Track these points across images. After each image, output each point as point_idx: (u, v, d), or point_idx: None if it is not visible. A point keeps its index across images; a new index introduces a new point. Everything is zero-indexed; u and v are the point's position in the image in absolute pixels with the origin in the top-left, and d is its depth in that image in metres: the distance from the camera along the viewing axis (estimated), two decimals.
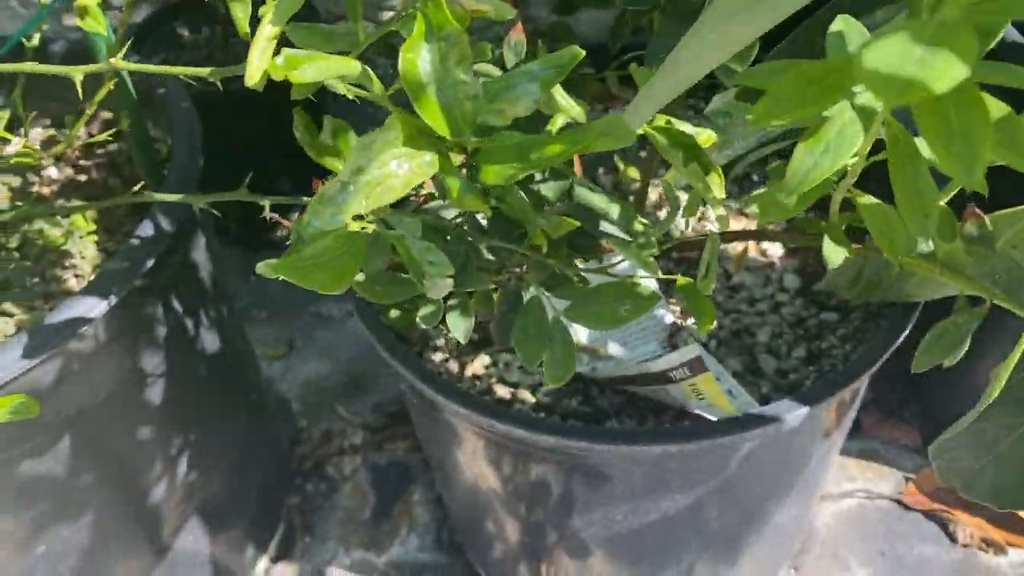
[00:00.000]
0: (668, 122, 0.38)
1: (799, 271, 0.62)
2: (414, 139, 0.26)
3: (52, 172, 0.66)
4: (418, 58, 0.25)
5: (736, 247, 0.63)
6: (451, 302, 0.43)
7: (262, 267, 0.38)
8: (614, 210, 0.40)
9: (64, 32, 0.81)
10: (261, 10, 0.30)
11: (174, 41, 0.99)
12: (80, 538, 0.59)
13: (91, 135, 0.65)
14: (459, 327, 0.42)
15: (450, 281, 0.38)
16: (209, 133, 0.60)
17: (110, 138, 0.51)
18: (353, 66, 0.27)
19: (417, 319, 0.42)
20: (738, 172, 0.57)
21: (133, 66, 0.34)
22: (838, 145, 0.24)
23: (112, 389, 0.54)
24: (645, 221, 0.40)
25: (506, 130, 0.27)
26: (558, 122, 0.41)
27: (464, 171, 0.28)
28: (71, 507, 0.57)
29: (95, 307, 0.49)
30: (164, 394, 0.58)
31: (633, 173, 0.67)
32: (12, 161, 0.46)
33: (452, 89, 0.26)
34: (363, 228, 0.35)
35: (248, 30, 0.32)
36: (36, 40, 0.57)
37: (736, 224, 0.66)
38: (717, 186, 0.38)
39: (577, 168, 0.61)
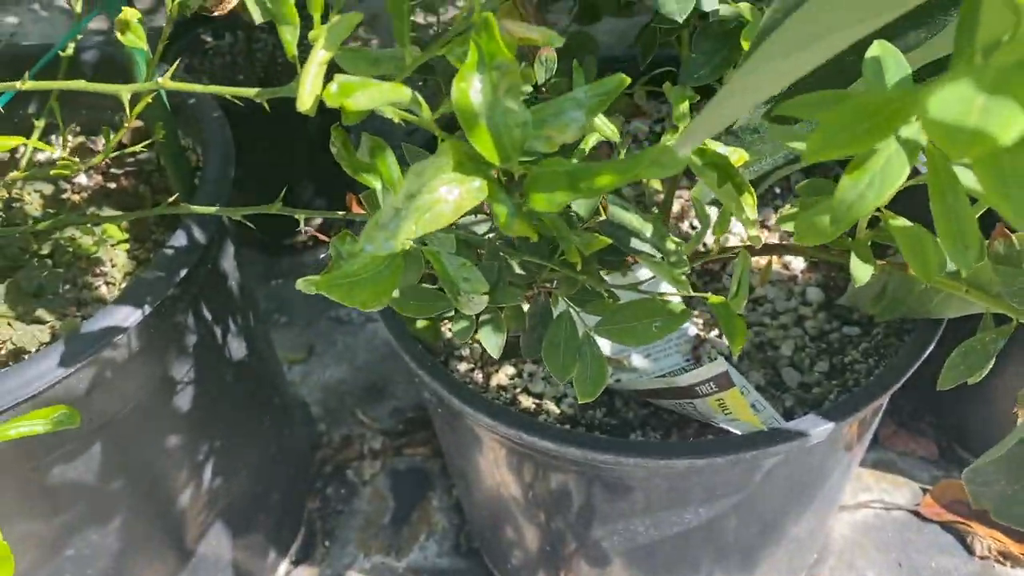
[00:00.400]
0: (702, 142, 0.38)
1: (822, 284, 0.62)
2: (463, 165, 0.27)
3: (83, 179, 0.67)
4: (470, 88, 0.26)
5: (759, 260, 0.63)
6: (483, 317, 0.43)
7: (302, 284, 0.39)
8: (647, 228, 0.40)
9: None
10: (311, 35, 0.30)
11: (198, 47, 1.00)
12: (107, 542, 0.60)
13: (123, 144, 0.66)
14: (492, 342, 0.43)
15: (485, 298, 0.38)
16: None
17: (143, 149, 0.52)
18: (404, 93, 0.28)
19: (451, 333, 0.42)
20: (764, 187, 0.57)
21: (181, 86, 0.34)
22: (883, 178, 0.25)
23: (142, 397, 0.55)
24: (677, 240, 0.41)
25: (552, 156, 0.27)
26: (591, 140, 0.42)
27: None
28: (99, 512, 0.58)
29: (129, 316, 0.49)
30: (192, 401, 0.59)
31: (656, 184, 0.67)
32: (52, 172, 0.46)
33: (502, 117, 0.26)
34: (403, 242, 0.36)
35: (296, 53, 0.32)
36: (70, 50, 0.58)
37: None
38: (750, 207, 0.38)
39: None
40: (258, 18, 0.31)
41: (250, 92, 0.34)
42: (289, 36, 0.31)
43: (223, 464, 0.65)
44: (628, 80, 0.28)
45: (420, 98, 0.28)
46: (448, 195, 0.26)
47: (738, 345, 0.38)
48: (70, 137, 0.72)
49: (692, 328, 0.60)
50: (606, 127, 0.40)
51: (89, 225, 0.59)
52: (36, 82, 0.36)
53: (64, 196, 0.65)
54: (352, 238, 0.38)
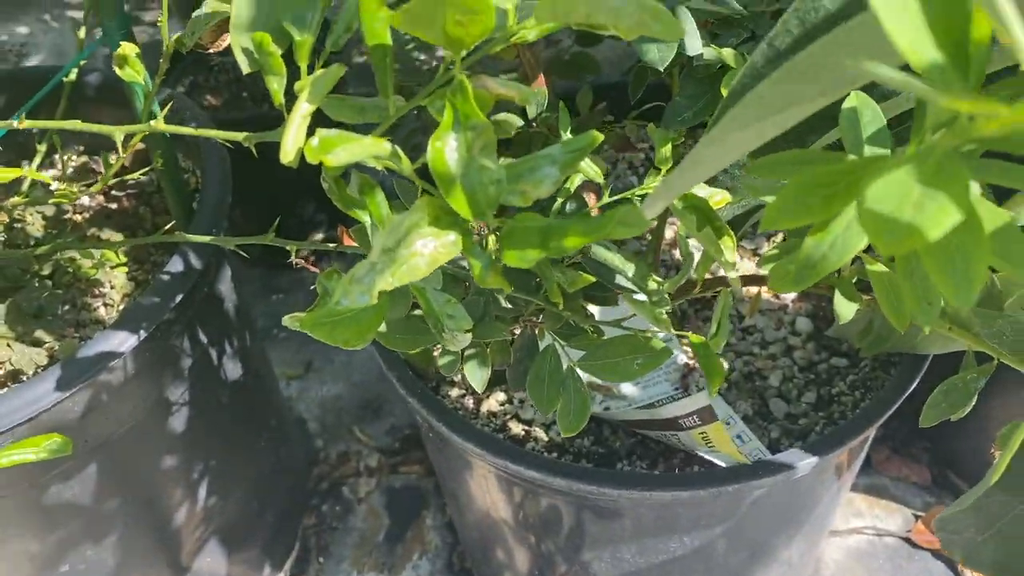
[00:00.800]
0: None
1: (811, 315, 0.62)
2: (439, 219, 0.27)
3: (84, 200, 0.68)
4: (446, 147, 0.26)
5: (750, 290, 0.64)
6: (469, 351, 0.44)
7: (288, 320, 0.39)
8: (629, 268, 0.41)
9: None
10: (296, 86, 0.31)
11: (203, 62, 1.01)
12: (103, 558, 0.61)
13: (124, 166, 0.67)
14: (476, 376, 0.44)
15: (469, 335, 0.39)
16: (234, 153, 0.62)
17: (142, 175, 0.53)
18: (383, 147, 0.29)
19: (438, 366, 0.43)
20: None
21: (174, 128, 0.35)
22: (846, 240, 0.25)
23: (139, 418, 0.56)
24: (659, 279, 0.41)
25: (527, 210, 0.28)
26: (576, 180, 0.43)
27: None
28: (95, 529, 0.59)
29: (125, 342, 0.50)
30: (188, 421, 0.60)
31: None
32: (51, 201, 0.47)
33: (477, 175, 0.27)
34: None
35: (283, 101, 0.33)
36: (73, 75, 0.59)
37: (750, 265, 0.67)
38: (730, 250, 0.39)
39: (591, 201, 0.62)
40: (245, 69, 0.32)
41: (239, 136, 0.34)
42: (276, 86, 0.32)
43: (219, 482, 0.66)
44: (600, 138, 0.28)
45: (400, 151, 0.29)
46: (423, 249, 0.27)
47: (715, 386, 0.39)
48: (73, 157, 0.73)
49: (681, 356, 0.60)
50: (590, 168, 0.41)
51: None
52: (33, 121, 0.37)
53: (66, 216, 0.66)
54: (339, 275, 0.39)
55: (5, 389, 0.55)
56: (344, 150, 0.27)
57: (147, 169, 0.55)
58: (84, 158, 0.72)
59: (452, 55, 0.29)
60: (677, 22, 0.26)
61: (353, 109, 0.33)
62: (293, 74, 0.33)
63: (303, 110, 0.29)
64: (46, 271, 0.61)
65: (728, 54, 0.39)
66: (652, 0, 0.26)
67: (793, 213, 0.23)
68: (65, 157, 0.72)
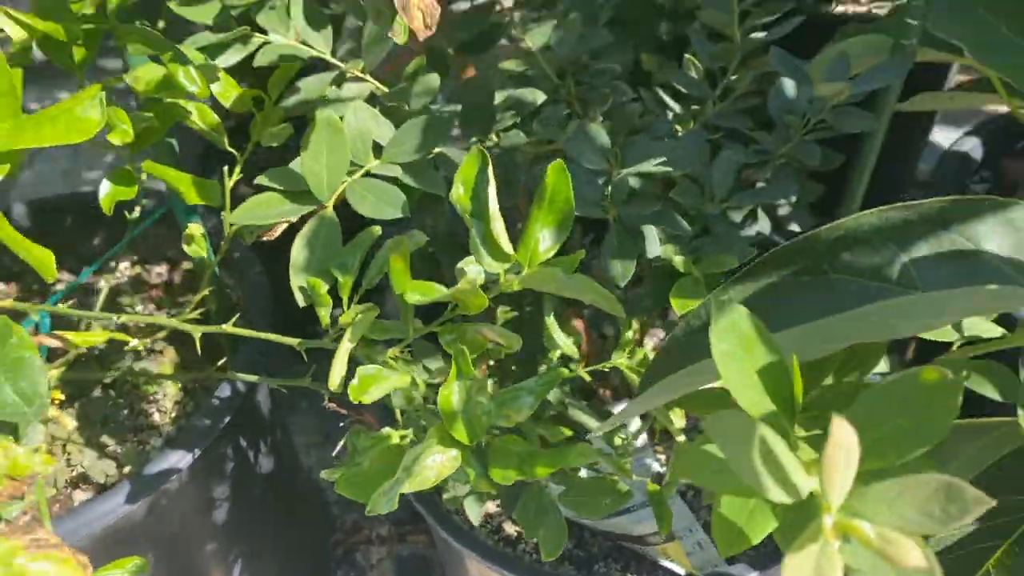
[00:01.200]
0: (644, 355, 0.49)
1: None
2: (444, 439, 0.37)
3: (139, 308, 0.78)
4: (452, 394, 0.36)
5: None
6: (468, 488, 0.54)
7: (325, 474, 0.49)
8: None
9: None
10: (341, 319, 0.41)
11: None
12: None
13: (174, 281, 0.78)
14: (474, 512, 0.53)
15: (469, 485, 0.49)
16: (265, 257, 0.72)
17: (199, 316, 0.63)
18: (406, 380, 0.38)
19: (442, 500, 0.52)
20: None
21: (234, 330, 0.45)
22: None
23: (188, 515, 0.65)
24: (624, 436, 0.51)
25: (510, 431, 0.38)
26: (556, 355, 0.52)
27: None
28: None
29: (182, 459, 0.60)
30: (228, 514, 0.70)
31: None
32: (126, 348, 0.57)
33: (473, 409, 0.37)
34: (403, 438, 0.46)
35: (329, 321, 0.43)
36: (137, 212, 0.69)
37: None
38: (679, 417, 0.48)
39: (580, 326, 0.71)
40: (301, 303, 0.42)
41: (293, 341, 0.44)
42: (323, 313, 0.42)
43: (251, 562, 0.76)
44: (567, 373, 0.38)
45: (419, 379, 0.39)
46: (432, 464, 0.37)
47: (665, 529, 0.48)
48: (127, 264, 0.83)
49: (655, 464, 0.70)
50: (568, 347, 0.50)
51: (145, 363, 0.70)
52: (129, 315, 0.47)
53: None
54: (366, 434, 0.49)
55: (78, 490, 0.65)
56: (377, 388, 0.37)
57: (199, 310, 0.64)
58: (138, 269, 0.82)
59: (462, 310, 0.39)
60: (619, 306, 0.36)
61: (380, 329, 0.42)
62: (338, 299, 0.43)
63: (346, 348, 0.39)
64: (108, 379, 0.71)
65: (679, 261, 0.49)
66: (602, 288, 0.36)
67: (692, 474, 0.32)
68: (117, 260, 0.82)
